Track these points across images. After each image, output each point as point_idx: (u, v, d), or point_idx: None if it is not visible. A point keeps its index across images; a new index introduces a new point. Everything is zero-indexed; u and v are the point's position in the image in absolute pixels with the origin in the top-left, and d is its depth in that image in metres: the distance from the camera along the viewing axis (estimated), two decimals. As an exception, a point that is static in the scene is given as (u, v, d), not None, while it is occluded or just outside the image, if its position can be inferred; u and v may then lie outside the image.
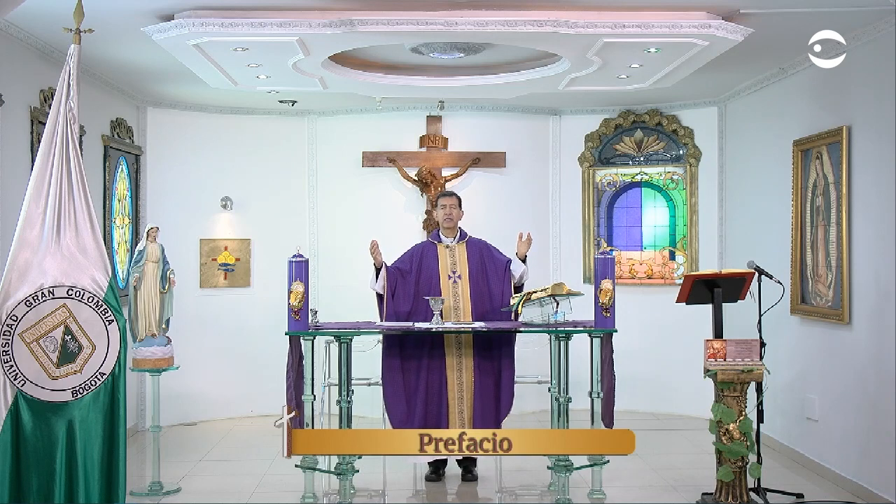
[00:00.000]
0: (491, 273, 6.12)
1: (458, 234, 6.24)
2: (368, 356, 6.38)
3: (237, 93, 7.36)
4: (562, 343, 5.67)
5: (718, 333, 5.43)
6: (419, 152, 8.48)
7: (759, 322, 5.56)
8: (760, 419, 5.56)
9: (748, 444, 5.18)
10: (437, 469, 6.20)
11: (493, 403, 6.01)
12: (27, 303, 3.75)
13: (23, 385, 3.73)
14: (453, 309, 6.01)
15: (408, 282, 6.06)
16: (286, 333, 5.56)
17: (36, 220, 3.83)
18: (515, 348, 6.13)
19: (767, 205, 7.13)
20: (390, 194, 8.48)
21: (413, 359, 5.99)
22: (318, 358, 5.96)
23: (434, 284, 6.03)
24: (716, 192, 8.27)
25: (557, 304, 5.62)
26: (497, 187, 8.52)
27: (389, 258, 6.11)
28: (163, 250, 6.03)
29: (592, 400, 5.76)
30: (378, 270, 5.99)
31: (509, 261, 6.15)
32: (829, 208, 6.09)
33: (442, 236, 6.25)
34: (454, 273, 6.10)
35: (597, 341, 5.71)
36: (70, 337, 3.81)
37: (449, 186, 8.20)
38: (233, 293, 8.48)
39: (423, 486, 6.12)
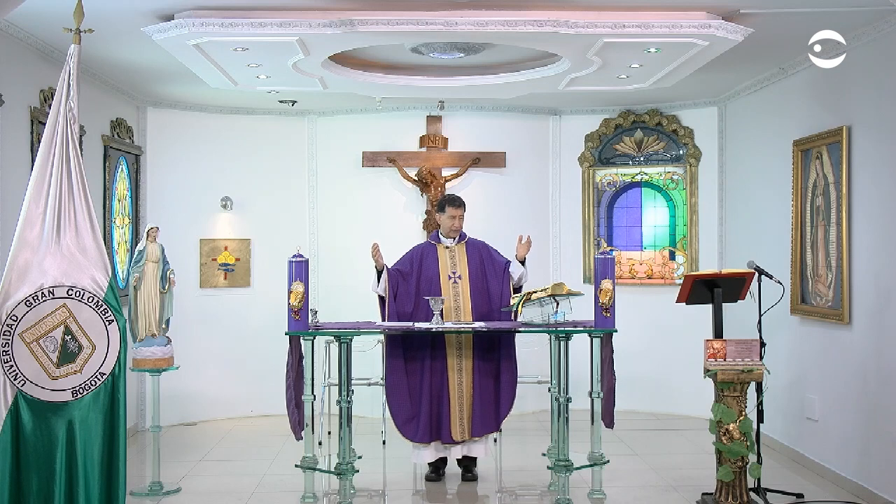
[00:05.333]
0: (490, 273, 6.13)
1: (458, 235, 6.24)
2: (368, 356, 6.40)
3: (237, 93, 7.36)
4: (562, 343, 5.67)
5: (718, 333, 5.43)
6: (419, 152, 8.48)
7: (759, 322, 5.56)
8: (760, 419, 5.56)
9: (748, 444, 5.18)
10: (437, 469, 6.20)
11: (492, 404, 6.01)
12: (27, 303, 3.75)
13: (23, 385, 3.73)
14: (454, 309, 6.02)
15: (409, 282, 6.06)
16: (286, 333, 5.56)
17: (36, 220, 3.82)
18: (516, 348, 6.13)
19: (767, 205, 7.13)
20: (390, 194, 8.48)
21: (416, 359, 5.99)
22: (318, 358, 5.96)
23: (434, 285, 6.04)
24: (716, 192, 8.27)
25: (557, 304, 5.62)
26: (497, 187, 8.52)
27: (389, 258, 6.11)
28: (163, 250, 6.03)
29: (592, 400, 5.77)
30: (380, 273, 6.00)
31: (508, 262, 6.16)
32: (829, 208, 6.09)
33: (441, 237, 6.25)
34: (454, 273, 6.11)
35: (597, 341, 5.72)
36: (70, 337, 3.80)
37: (449, 186, 8.21)
38: (233, 293, 8.48)
39: (423, 486, 6.11)
